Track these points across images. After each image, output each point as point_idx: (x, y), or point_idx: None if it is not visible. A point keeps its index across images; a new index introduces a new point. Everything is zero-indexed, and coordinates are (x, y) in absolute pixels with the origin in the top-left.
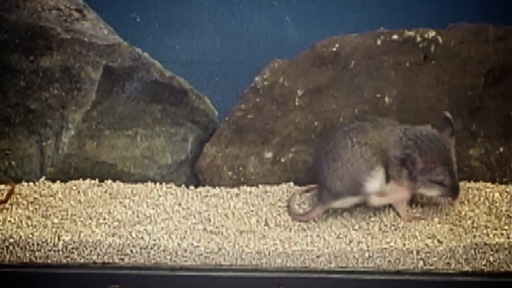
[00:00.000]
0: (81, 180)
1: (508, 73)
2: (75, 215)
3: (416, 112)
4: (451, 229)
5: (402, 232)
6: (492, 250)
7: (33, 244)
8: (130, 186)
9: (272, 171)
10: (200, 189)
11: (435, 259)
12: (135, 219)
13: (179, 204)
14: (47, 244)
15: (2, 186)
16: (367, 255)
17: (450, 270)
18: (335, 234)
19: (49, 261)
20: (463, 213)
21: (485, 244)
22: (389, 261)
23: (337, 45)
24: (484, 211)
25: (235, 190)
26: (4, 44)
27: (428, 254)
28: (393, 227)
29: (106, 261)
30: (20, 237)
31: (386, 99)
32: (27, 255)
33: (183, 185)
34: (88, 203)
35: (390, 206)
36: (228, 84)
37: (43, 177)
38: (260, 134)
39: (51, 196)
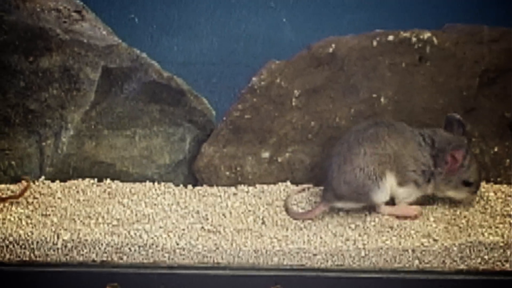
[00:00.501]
0: (80, 180)
1: (502, 73)
2: (74, 214)
3: (412, 112)
4: (446, 228)
5: (398, 231)
6: (486, 249)
7: (32, 243)
8: (129, 186)
9: (269, 170)
10: (198, 188)
11: (431, 257)
12: (133, 218)
13: (177, 203)
14: (47, 242)
15: (2, 186)
16: (363, 253)
17: (445, 269)
18: (332, 232)
19: (48, 259)
20: (458, 212)
21: (480, 242)
22: (385, 259)
23: (333, 46)
24: (479, 210)
25: (233, 189)
26: (3, 45)
27: (423, 253)
28: (388, 226)
29: (104, 259)
30: (20, 235)
31: (382, 99)
32: (27, 253)
33: (181, 185)
34: (87, 202)
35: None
36: (225, 85)
37: (43, 177)
38: (257, 134)
39: (51, 195)
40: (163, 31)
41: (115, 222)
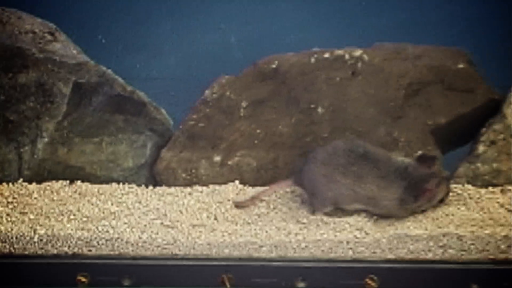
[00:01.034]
0: (54, 182)
1: (425, 86)
2: (48, 212)
3: (346, 121)
4: (376, 223)
5: (334, 225)
6: (412, 240)
7: (12, 238)
8: (97, 186)
9: (221, 172)
10: (157, 188)
11: (363, 248)
12: (101, 215)
13: (140, 202)
14: (25, 237)
15: None
16: (303, 245)
17: (375, 258)
18: (276, 227)
19: (26, 252)
20: None
21: (406, 235)
22: (322, 250)
23: (276, 62)
24: None
25: (188, 189)
26: None
27: (356, 244)
28: (325, 222)
29: (76, 252)
30: (1, 231)
31: (319, 109)
32: (7, 247)
33: (143, 185)
34: (60, 201)
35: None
36: (182, 97)
37: (21, 179)
38: (210, 140)
39: (28, 195)
40: (127, 50)
41: (85, 219)
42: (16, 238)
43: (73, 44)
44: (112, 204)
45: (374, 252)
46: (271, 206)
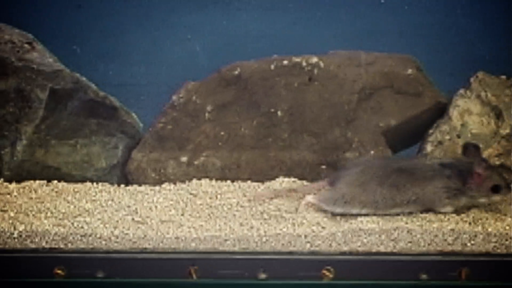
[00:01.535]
0: (32, 181)
1: (376, 91)
2: (27, 209)
3: (303, 123)
4: (332, 218)
5: (292, 220)
6: (365, 234)
7: None
8: (72, 185)
9: (187, 172)
10: (129, 187)
11: (320, 241)
12: (76, 212)
13: (112, 200)
14: (5, 233)
15: None
16: (264, 239)
17: (331, 251)
18: (239, 222)
19: (6, 246)
20: None
21: (360, 229)
22: (282, 243)
23: (238, 69)
24: None
25: (157, 187)
26: None
27: (314, 238)
28: (284, 217)
29: (53, 246)
30: None
31: (279, 113)
32: None
33: (115, 184)
34: (38, 200)
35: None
36: (151, 102)
37: (1, 179)
38: (177, 142)
39: (8, 194)
40: (99, 59)
41: (61, 216)
42: None
43: (49, 53)
44: (86, 202)
45: (330, 245)
46: (237, 203)
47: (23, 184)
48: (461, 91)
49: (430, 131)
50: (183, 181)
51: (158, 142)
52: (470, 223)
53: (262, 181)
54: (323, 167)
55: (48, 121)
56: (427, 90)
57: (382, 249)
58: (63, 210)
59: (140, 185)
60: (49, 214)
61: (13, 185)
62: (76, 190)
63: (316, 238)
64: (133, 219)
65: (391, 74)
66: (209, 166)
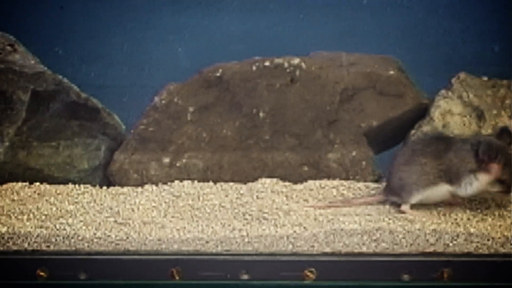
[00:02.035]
0: (14, 183)
1: (358, 92)
2: (9, 211)
3: (285, 124)
4: (315, 218)
5: (275, 221)
6: (347, 235)
7: None
8: (54, 187)
9: (170, 173)
10: (111, 188)
11: (302, 242)
12: (58, 213)
13: (94, 201)
14: None
15: None
16: (246, 240)
17: (313, 252)
18: (221, 223)
19: None
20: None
21: (342, 230)
22: (264, 244)
23: (220, 71)
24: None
25: (140, 189)
26: None
27: (296, 239)
28: (267, 217)
29: (35, 248)
30: None
31: (261, 114)
32: None
33: (97, 186)
34: (21, 201)
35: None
36: (133, 104)
37: None
38: (159, 143)
39: None
40: (82, 60)
41: (43, 217)
42: None
43: (31, 55)
44: (68, 204)
45: (312, 246)
46: (220, 204)
47: (4, 186)
48: (443, 91)
49: (412, 131)
50: (165, 183)
51: (140, 143)
52: (452, 224)
53: (245, 182)
54: (305, 168)
55: (30, 123)
56: (409, 91)
57: (364, 250)
58: (46, 212)
59: (122, 186)
60: (31, 216)
61: None
62: (58, 192)
63: (298, 239)
64: (115, 220)
65: (373, 75)
66: (191, 167)
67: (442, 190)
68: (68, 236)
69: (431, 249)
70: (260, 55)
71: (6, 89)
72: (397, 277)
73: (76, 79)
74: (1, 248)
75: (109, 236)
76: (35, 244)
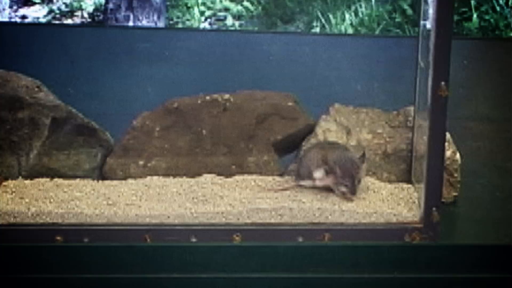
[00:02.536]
0: (40, 178)
1: (268, 117)
2: (38, 197)
3: (220, 138)
4: (240, 201)
5: (214, 202)
6: (261, 211)
7: (11, 213)
8: (67, 181)
9: (144, 171)
10: (105, 182)
11: (231, 216)
12: (70, 198)
13: (93, 190)
14: (22, 213)
15: None
16: (195, 215)
17: (239, 223)
18: (178, 204)
19: (24, 222)
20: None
21: (258, 208)
22: (206, 218)
23: (176, 103)
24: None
25: (124, 182)
26: None
27: (227, 214)
28: (209, 200)
29: (54, 221)
30: (5, 209)
31: (204, 132)
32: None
33: (95, 180)
34: (45, 191)
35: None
36: (119, 125)
37: (20, 177)
38: (137, 151)
39: (25, 187)
40: (85, 97)
41: (60, 201)
42: (17, 213)
43: (51, 93)
44: (76, 192)
45: (238, 219)
46: (177, 192)
47: (34, 180)
48: (324, 116)
49: (303, 143)
50: (141, 177)
51: (124, 151)
52: (330, 203)
53: (193, 177)
54: (234, 167)
55: (50, 139)
56: (301, 116)
57: (272, 221)
58: (61, 198)
59: (112, 180)
60: (52, 200)
61: (28, 181)
62: (69, 184)
63: (229, 214)
64: (107, 203)
65: (278, 106)
66: (158, 167)
67: (322, 172)
68: (76, 213)
69: (316, 220)
70: (203, 92)
71: (34, 116)
72: (295, 239)
73: (81, 110)
74: (32, 221)
75: (103, 213)
76: (54, 219)
